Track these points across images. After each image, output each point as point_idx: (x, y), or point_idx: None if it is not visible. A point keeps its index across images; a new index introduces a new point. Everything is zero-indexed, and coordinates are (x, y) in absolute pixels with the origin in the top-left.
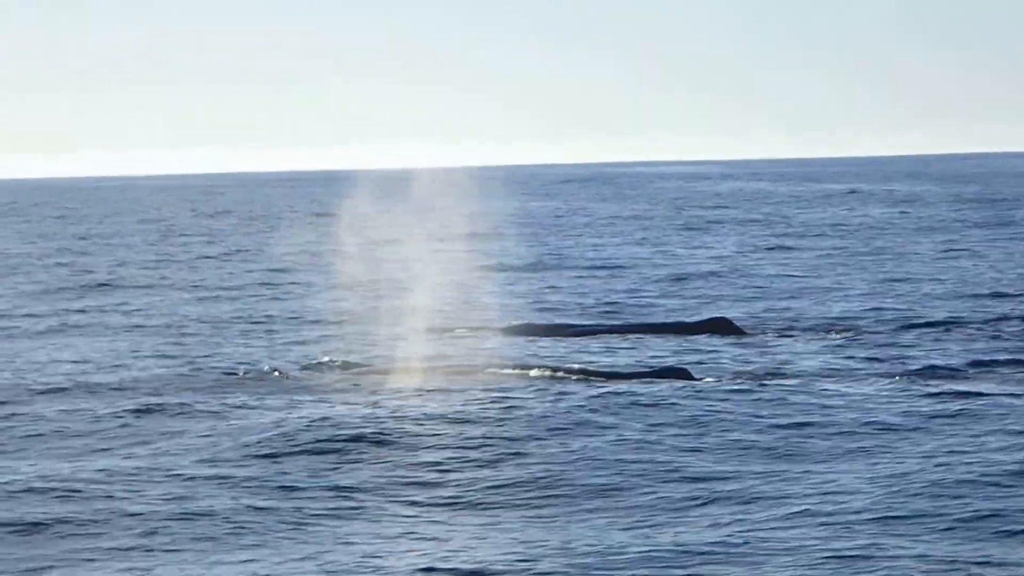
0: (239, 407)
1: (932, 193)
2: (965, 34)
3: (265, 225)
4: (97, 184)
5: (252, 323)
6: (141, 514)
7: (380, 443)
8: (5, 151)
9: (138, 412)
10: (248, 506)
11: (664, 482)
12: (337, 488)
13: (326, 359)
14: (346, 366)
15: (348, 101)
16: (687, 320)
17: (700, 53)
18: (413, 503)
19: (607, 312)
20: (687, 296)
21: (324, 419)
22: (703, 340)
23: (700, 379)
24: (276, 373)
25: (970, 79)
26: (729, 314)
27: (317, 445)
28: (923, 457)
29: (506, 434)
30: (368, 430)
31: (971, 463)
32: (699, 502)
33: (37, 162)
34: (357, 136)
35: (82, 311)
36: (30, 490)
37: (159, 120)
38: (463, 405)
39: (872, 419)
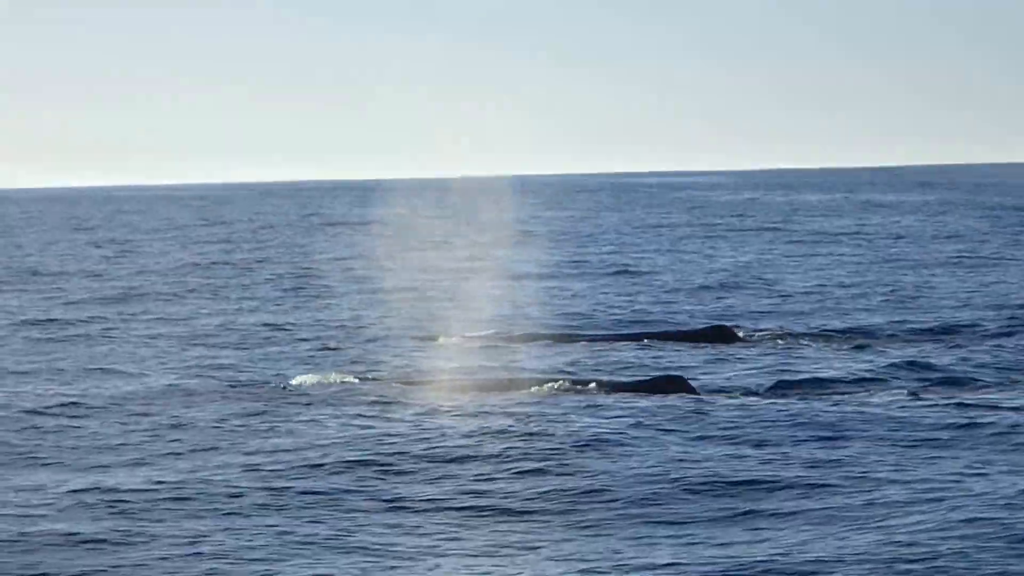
0: (273, 419)
1: (947, 201)
2: (978, 43)
3: (281, 234)
4: (107, 195)
5: (279, 333)
6: (188, 527)
7: (418, 456)
8: (13, 163)
9: (173, 425)
10: (294, 518)
11: (706, 495)
12: (380, 500)
13: (355, 371)
14: (372, 378)
15: (357, 112)
16: (687, 328)
17: (709, 64)
18: (458, 514)
19: (615, 320)
20: (698, 303)
21: (361, 431)
22: (702, 348)
23: (697, 389)
24: (306, 384)
25: (981, 89)
26: (740, 321)
27: (356, 457)
28: (965, 470)
29: (532, 448)
30: (405, 443)
31: (1018, 476)
32: (740, 514)
33: (41, 173)
34: (363, 148)
35: (105, 319)
36: (79, 504)
37: (165, 131)
38: (495, 418)
39: (904, 431)
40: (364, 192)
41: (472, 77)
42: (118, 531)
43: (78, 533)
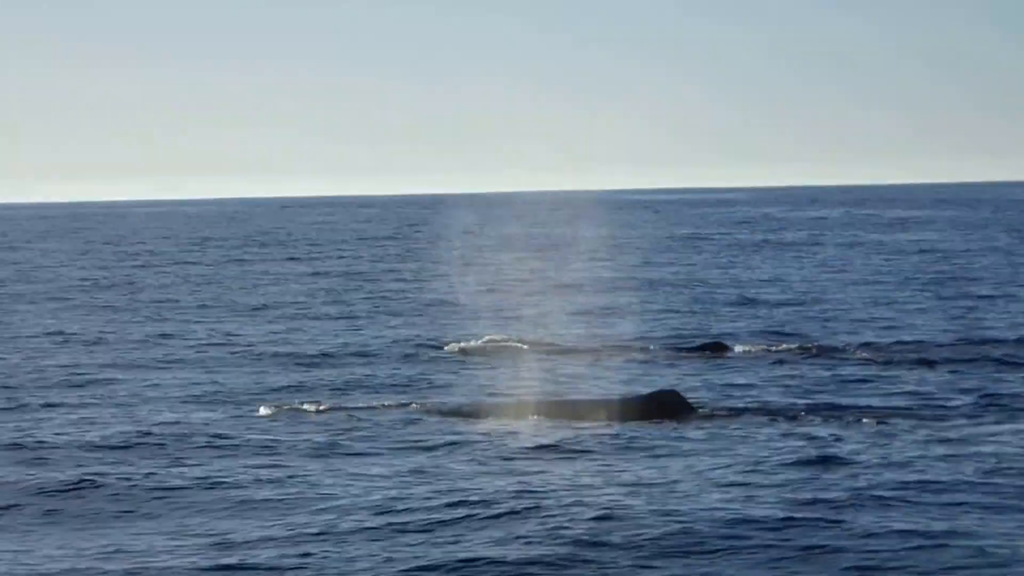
0: (347, 445)
1: (970, 218)
2: (995, 60)
3: (315, 250)
4: (126, 210)
5: (333, 350)
6: (292, 552)
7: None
8: (33, 177)
9: (255, 455)
10: (399, 540)
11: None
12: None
13: (410, 393)
14: (422, 400)
15: (368, 127)
16: (687, 344)
17: (720, 78)
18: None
19: (627, 331)
20: (716, 316)
21: (434, 457)
22: (695, 363)
23: (695, 404)
24: (372, 408)
25: (992, 106)
26: (748, 335)
27: (440, 480)
28: None
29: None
30: (466, 461)
31: None
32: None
33: (51, 187)
34: (369, 164)
35: (151, 337)
36: (181, 540)
37: (174, 145)
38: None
39: (961, 455)
40: (368, 207)
41: (492, 98)
42: (226, 566)
43: (187, 570)
